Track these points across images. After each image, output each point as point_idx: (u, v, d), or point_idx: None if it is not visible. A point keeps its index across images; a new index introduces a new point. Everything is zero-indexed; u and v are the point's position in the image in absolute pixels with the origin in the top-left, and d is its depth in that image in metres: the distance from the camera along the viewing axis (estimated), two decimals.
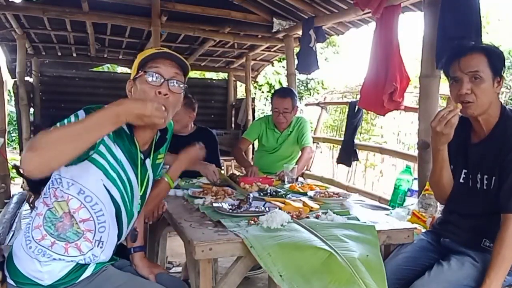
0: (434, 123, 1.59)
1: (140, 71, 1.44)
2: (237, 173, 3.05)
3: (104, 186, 1.41)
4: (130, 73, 1.54)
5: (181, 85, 1.47)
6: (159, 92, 1.41)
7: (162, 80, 1.42)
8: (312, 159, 5.41)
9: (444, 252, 1.75)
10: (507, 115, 1.65)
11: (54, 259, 1.39)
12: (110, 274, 1.48)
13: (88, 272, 1.44)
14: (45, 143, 1.14)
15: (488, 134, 1.67)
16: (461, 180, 1.75)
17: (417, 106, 3.09)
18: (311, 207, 1.95)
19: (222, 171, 3.01)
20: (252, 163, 3.31)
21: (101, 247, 1.45)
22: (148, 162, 1.56)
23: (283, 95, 3.25)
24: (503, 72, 1.64)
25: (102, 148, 1.38)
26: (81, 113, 1.31)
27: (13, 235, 2.43)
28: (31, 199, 2.65)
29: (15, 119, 7.54)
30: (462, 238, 1.72)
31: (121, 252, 1.72)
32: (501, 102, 1.68)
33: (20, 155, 6.39)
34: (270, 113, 3.40)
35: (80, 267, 1.43)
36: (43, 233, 1.39)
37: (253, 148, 5.05)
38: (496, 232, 1.57)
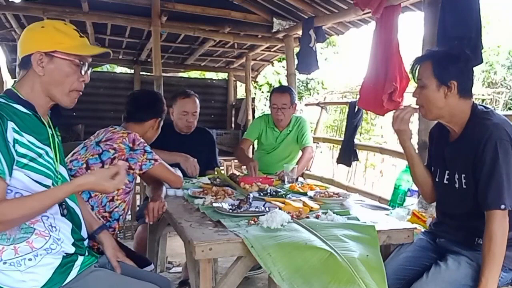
0: (392, 123, 1.84)
1: (69, 55, 1.42)
2: (237, 173, 3.05)
3: (35, 180, 1.36)
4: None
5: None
6: (83, 80, 1.47)
7: (86, 70, 1.48)
8: (312, 159, 5.41)
9: (441, 252, 1.76)
10: (476, 115, 1.68)
11: (30, 260, 1.35)
12: (97, 276, 1.46)
13: (73, 273, 1.41)
14: (11, 220, 1.27)
15: (460, 134, 1.72)
16: (445, 181, 1.78)
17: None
18: (311, 207, 1.95)
19: (222, 171, 3.01)
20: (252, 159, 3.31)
21: (56, 230, 1.41)
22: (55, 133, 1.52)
23: (281, 91, 3.28)
24: (460, 77, 1.66)
25: (18, 148, 1.33)
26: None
27: None
28: None
29: None
30: (456, 238, 1.74)
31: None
32: (473, 102, 1.72)
33: None
34: (269, 111, 3.40)
35: (64, 270, 1.40)
36: (1, 248, 1.34)
37: (253, 148, 5.04)
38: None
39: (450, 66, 1.67)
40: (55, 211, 1.43)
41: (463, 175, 1.69)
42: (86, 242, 1.54)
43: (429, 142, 1.96)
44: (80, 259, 1.46)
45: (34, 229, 1.38)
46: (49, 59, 1.40)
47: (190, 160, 2.62)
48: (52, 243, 1.40)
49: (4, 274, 1.35)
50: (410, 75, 1.84)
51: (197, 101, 2.95)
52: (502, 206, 1.53)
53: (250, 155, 5.98)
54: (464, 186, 1.68)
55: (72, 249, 1.44)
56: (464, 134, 1.70)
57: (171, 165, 2.53)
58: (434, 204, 2.49)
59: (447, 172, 1.77)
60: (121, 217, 2.04)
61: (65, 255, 1.42)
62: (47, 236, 1.39)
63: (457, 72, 1.67)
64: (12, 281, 1.35)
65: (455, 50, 1.79)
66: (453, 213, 1.77)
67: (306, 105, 7.16)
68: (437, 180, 1.83)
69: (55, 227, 1.41)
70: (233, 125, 7.82)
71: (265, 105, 11.95)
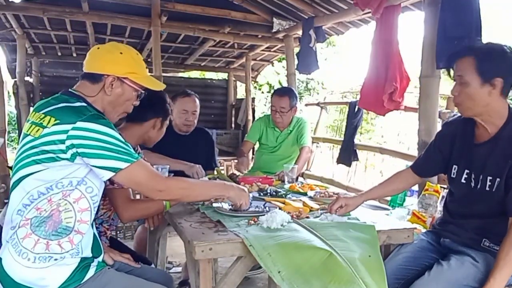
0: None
1: (137, 84, 1.59)
2: (237, 173, 3.05)
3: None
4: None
5: None
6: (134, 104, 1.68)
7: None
8: (312, 159, 5.40)
9: (444, 252, 1.75)
10: None
11: (56, 259, 1.40)
12: (111, 277, 1.51)
13: (90, 273, 1.46)
14: (181, 195, 1.60)
15: (494, 135, 1.65)
16: (462, 181, 1.73)
17: (417, 106, 3.09)
18: (311, 207, 1.95)
19: (222, 171, 3.00)
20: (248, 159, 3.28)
21: (83, 240, 1.47)
22: None
23: (281, 94, 3.24)
24: (505, 74, 1.56)
25: None
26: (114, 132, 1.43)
27: None
28: None
29: (14, 119, 7.55)
30: (462, 238, 1.71)
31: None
32: (508, 104, 1.65)
33: None
34: (270, 111, 3.39)
35: (83, 268, 1.44)
36: (35, 239, 1.39)
37: (253, 148, 5.04)
38: (496, 233, 1.57)
39: (496, 62, 1.57)
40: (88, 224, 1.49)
41: (489, 178, 1.63)
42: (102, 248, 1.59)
43: (444, 140, 1.85)
44: (96, 260, 1.51)
45: (69, 232, 1.43)
46: (119, 83, 1.56)
47: (196, 167, 2.63)
48: (77, 250, 1.45)
49: (29, 270, 1.38)
50: (444, 73, 1.76)
51: (197, 101, 2.94)
52: None
53: (250, 156, 5.99)
54: (488, 189, 1.63)
55: (90, 255, 1.50)
56: (500, 135, 1.63)
57: (175, 171, 2.53)
58: (434, 204, 2.50)
59: (466, 171, 1.71)
60: (105, 222, 1.98)
61: (83, 257, 1.47)
62: (74, 244, 1.44)
63: (503, 69, 1.57)
64: (33, 278, 1.38)
65: (498, 44, 1.64)
66: (466, 213, 1.74)
67: (306, 105, 7.15)
68: (453, 176, 1.78)
69: (84, 233, 1.47)
70: (233, 125, 7.80)
71: (265, 105, 11.95)
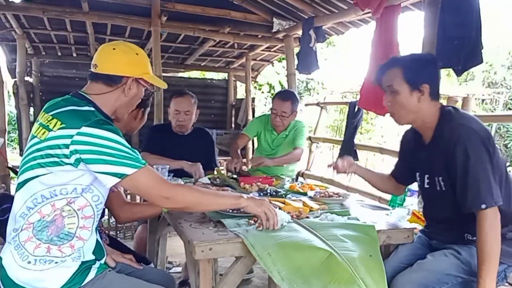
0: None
1: (148, 83, 1.61)
2: (244, 168, 3.05)
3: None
4: None
5: None
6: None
7: None
8: (312, 159, 5.41)
9: (436, 250, 1.78)
10: (444, 119, 1.69)
11: (56, 263, 1.40)
12: (112, 279, 1.51)
13: (91, 275, 1.46)
14: (189, 203, 1.52)
15: (431, 137, 1.73)
16: (426, 186, 1.79)
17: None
18: (311, 207, 1.95)
19: (222, 171, 3.00)
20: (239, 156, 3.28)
21: (84, 246, 1.47)
22: None
23: (284, 98, 3.18)
24: (431, 80, 1.67)
25: None
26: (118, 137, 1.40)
27: None
28: None
29: (14, 119, 7.55)
30: (446, 238, 1.76)
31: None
32: (441, 105, 1.73)
33: (20, 155, 6.39)
34: (269, 113, 3.37)
35: (83, 271, 1.44)
36: (37, 243, 1.39)
37: (253, 148, 5.04)
38: (472, 225, 1.58)
39: (421, 70, 1.68)
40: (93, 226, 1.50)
41: (440, 178, 1.70)
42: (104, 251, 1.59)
43: (403, 147, 1.99)
44: (98, 262, 1.51)
45: (71, 238, 1.43)
46: (136, 84, 1.58)
47: (196, 165, 2.65)
48: (79, 254, 1.45)
49: (29, 272, 1.38)
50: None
51: (192, 100, 2.90)
52: (483, 206, 1.52)
53: (250, 155, 5.99)
54: (444, 189, 1.70)
55: (92, 257, 1.50)
56: (435, 137, 1.71)
57: (175, 170, 2.53)
58: None
59: (426, 176, 1.78)
60: None
61: (84, 261, 1.47)
62: (74, 249, 1.44)
63: (428, 75, 1.68)
64: (31, 279, 1.38)
65: (422, 54, 1.80)
66: (439, 217, 1.80)
67: (306, 105, 7.15)
68: (419, 184, 1.85)
69: (85, 239, 1.47)
70: (233, 125, 7.80)
71: (265, 105, 11.95)
